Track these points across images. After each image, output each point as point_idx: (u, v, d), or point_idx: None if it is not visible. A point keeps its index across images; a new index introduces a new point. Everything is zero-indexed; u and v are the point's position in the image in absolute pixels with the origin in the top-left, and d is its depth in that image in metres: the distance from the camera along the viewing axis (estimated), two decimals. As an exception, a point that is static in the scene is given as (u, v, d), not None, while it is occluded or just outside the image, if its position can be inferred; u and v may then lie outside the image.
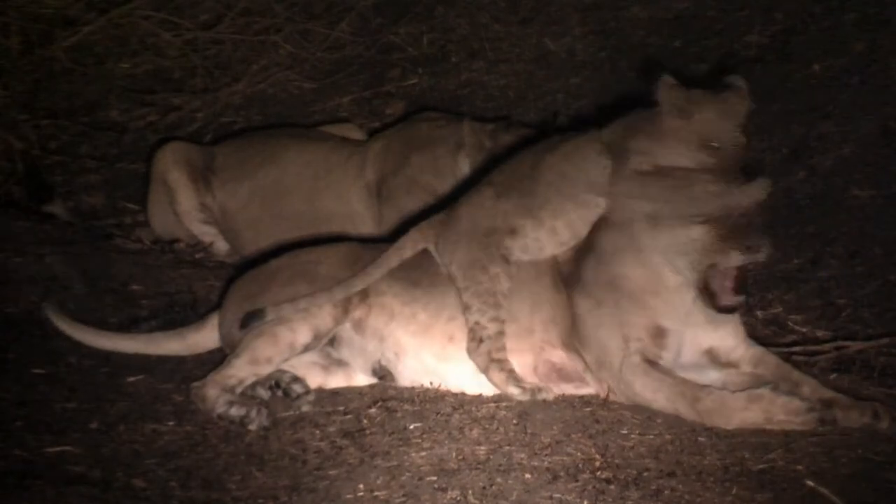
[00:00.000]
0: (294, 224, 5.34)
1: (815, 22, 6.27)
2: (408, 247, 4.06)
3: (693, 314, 3.88)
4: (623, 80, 6.39)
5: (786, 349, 4.31)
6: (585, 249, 3.96)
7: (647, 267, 3.85)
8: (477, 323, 3.90)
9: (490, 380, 3.87)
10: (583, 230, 3.97)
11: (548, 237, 3.98)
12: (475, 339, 3.90)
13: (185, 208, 5.56)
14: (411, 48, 6.95)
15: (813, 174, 5.40)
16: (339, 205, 5.33)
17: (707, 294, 3.78)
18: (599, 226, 3.95)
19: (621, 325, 3.82)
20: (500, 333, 3.90)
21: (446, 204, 4.32)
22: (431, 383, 3.99)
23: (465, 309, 3.94)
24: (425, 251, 4.11)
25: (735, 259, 3.73)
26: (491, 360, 3.87)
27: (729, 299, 3.76)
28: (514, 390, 3.84)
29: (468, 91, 6.55)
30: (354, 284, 3.98)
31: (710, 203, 3.77)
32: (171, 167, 5.57)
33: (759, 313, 4.65)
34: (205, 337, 4.25)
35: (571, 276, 3.96)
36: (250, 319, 3.90)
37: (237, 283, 4.24)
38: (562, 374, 3.96)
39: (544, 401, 3.85)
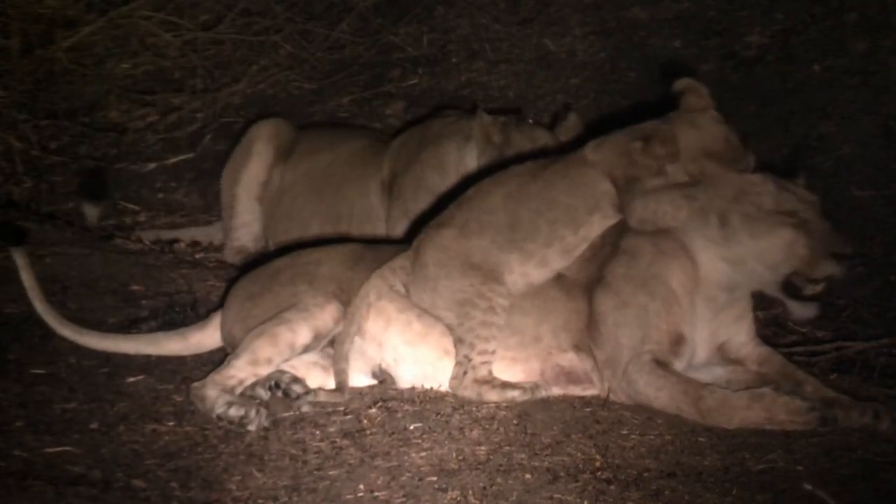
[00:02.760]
0: (325, 210, 5.40)
1: (815, 22, 6.27)
2: (371, 295, 3.99)
3: (719, 317, 3.91)
4: (623, 81, 6.39)
5: (786, 349, 4.32)
6: (610, 251, 3.94)
7: (692, 273, 3.87)
8: (466, 356, 3.87)
9: (488, 402, 3.84)
10: (580, 250, 3.95)
11: (536, 268, 3.93)
12: (458, 376, 3.87)
13: (251, 178, 5.62)
14: (411, 48, 6.95)
15: (813, 174, 5.40)
16: (361, 199, 5.37)
17: (787, 287, 3.80)
18: (629, 230, 3.94)
19: (644, 328, 3.83)
20: (486, 363, 3.87)
21: (446, 205, 4.31)
22: (431, 388, 3.99)
23: (458, 342, 3.90)
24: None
25: (827, 269, 3.75)
26: (480, 385, 3.85)
27: (813, 289, 3.78)
28: (513, 395, 3.83)
29: (468, 91, 6.55)
30: (342, 351, 3.94)
31: (793, 202, 3.80)
32: (262, 141, 5.65)
33: (759, 313, 4.65)
34: (207, 337, 4.25)
35: (590, 277, 3.95)
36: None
37: (239, 282, 4.25)
38: (570, 377, 3.96)
39: (545, 398, 3.86)
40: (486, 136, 5.00)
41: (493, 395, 3.83)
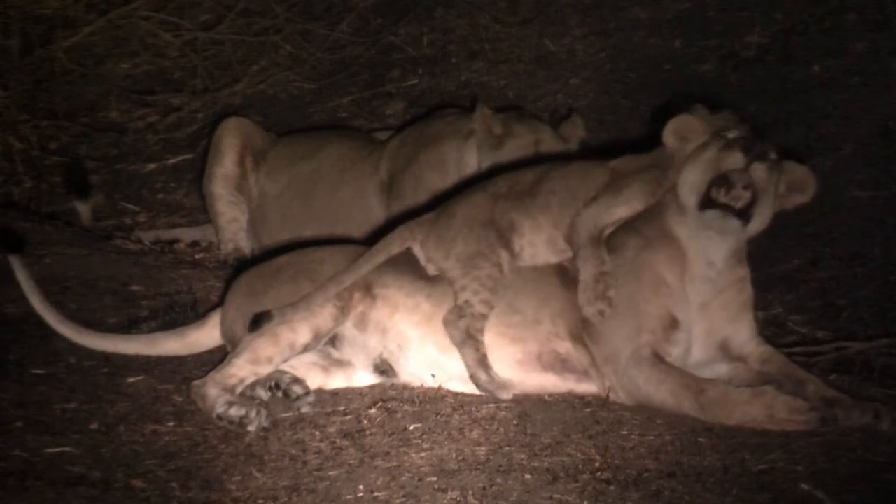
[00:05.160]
0: (318, 214, 5.41)
1: (815, 22, 6.28)
2: (395, 243, 4.10)
3: (710, 307, 3.91)
4: (623, 81, 6.39)
5: (786, 350, 4.31)
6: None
7: (674, 253, 3.88)
8: (466, 301, 3.94)
9: (462, 356, 3.91)
10: None
11: (545, 245, 4.03)
12: (456, 313, 3.94)
13: (225, 172, 5.64)
14: (411, 48, 6.96)
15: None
16: (357, 200, 5.37)
17: (708, 202, 3.80)
18: (619, 228, 3.97)
19: (636, 315, 3.84)
20: (484, 316, 3.93)
21: (442, 202, 4.35)
22: (434, 376, 4.01)
23: (460, 289, 3.96)
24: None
25: (737, 160, 3.76)
26: (468, 336, 3.90)
27: (724, 196, 3.77)
28: (481, 375, 3.87)
29: (468, 91, 6.55)
30: (344, 280, 4.00)
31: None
32: (230, 135, 5.69)
33: (759, 313, 4.65)
34: (206, 335, 4.26)
35: None
36: (258, 322, 3.91)
37: (241, 278, 4.24)
38: (566, 366, 3.98)
39: (544, 399, 3.87)
40: (487, 128, 5.02)
41: (468, 357, 3.89)
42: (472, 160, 5.09)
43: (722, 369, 3.96)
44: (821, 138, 5.57)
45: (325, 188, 5.46)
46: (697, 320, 3.91)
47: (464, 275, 3.98)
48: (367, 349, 4.08)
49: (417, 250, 4.12)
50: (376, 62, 6.93)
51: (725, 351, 3.97)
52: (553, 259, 4.04)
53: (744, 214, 3.79)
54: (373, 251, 4.06)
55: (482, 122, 5.05)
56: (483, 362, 3.90)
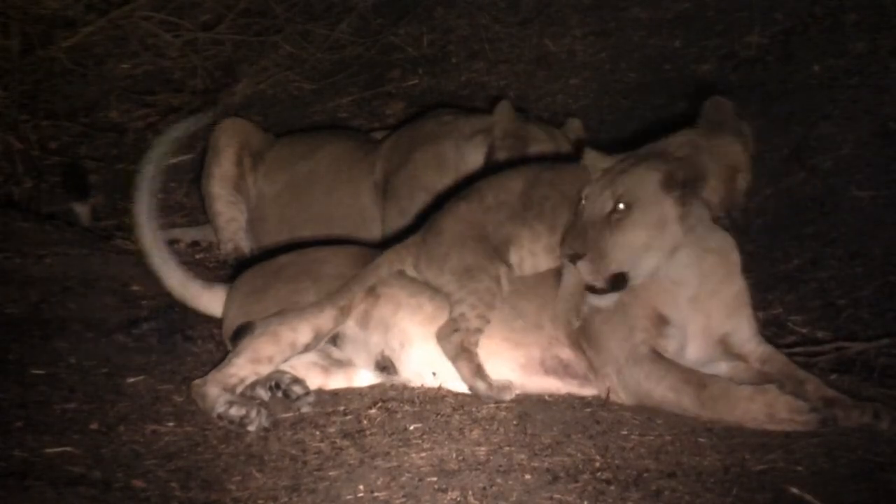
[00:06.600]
0: (315, 215, 5.40)
1: (815, 22, 6.27)
2: (383, 269, 4.07)
3: (700, 298, 3.89)
4: (623, 81, 6.39)
5: (786, 350, 4.31)
6: None
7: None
8: (461, 314, 3.93)
9: (458, 370, 3.90)
10: None
11: (544, 252, 4.01)
12: (449, 327, 3.93)
13: (224, 172, 5.66)
14: (411, 49, 6.96)
15: (813, 174, 5.40)
16: (353, 200, 5.37)
17: None
18: None
19: (625, 316, 3.84)
20: (479, 330, 3.92)
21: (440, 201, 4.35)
22: (435, 374, 4.00)
23: (456, 303, 3.94)
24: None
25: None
26: (462, 349, 3.89)
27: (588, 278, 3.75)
28: (480, 385, 3.86)
29: (468, 92, 6.55)
30: (336, 300, 3.99)
31: None
32: (227, 135, 5.71)
33: (759, 314, 4.65)
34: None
35: None
36: (239, 334, 3.92)
37: (243, 276, 4.25)
38: (568, 370, 3.98)
39: (544, 399, 3.86)
40: (510, 129, 4.96)
41: (463, 370, 3.88)
42: (473, 159, 5.06)
43: (722, 368, 3.96)
44: (821, 138, 5.57)
45: (322, 189, 5.46)
46: (691, 316, 3.90)
47: (460, 288, 3.96)
48: (368, 346, 4.08)
49: (411, 272, 4.10)
50: (376, 62, 6.93)
51: (725, 348, 3.96)
52: (552, 265, 4.02)
53: (617, 282, 3.75)
54: (359, 276, 4.03)
55: (506, 120, 4.99)
56: (479, 373, 3.88)
